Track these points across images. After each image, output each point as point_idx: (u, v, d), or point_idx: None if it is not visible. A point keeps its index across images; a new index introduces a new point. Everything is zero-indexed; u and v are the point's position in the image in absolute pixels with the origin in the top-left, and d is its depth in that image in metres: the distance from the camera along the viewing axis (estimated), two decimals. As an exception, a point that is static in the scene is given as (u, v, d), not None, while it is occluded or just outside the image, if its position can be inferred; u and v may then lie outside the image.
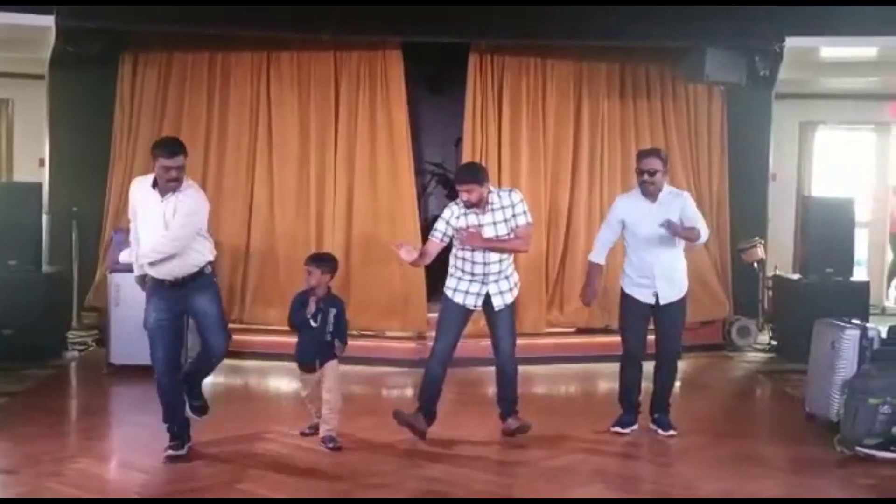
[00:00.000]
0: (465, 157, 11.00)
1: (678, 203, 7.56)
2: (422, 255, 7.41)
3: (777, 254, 12.24)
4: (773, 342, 11.49)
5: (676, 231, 7.34)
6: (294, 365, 7.53)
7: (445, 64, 11.32)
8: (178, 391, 6.98)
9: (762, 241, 11.61)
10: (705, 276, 11.48)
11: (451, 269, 7.49)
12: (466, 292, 7.40)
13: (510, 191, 7.60)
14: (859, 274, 11.95)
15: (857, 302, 10.59)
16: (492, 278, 7.40)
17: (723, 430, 8.20)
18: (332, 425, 7.27)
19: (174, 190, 6.74)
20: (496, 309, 7.45)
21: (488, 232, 7.32)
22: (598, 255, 7.82)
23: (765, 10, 10.19)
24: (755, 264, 11.64)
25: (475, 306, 7.46)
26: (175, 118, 11.04)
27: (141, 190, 6.86)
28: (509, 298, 7.49)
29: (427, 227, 10.91)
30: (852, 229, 11.31)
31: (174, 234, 6.72)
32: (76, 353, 10.34)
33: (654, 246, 7.48)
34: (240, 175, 11.06)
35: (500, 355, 7.58)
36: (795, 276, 11.45)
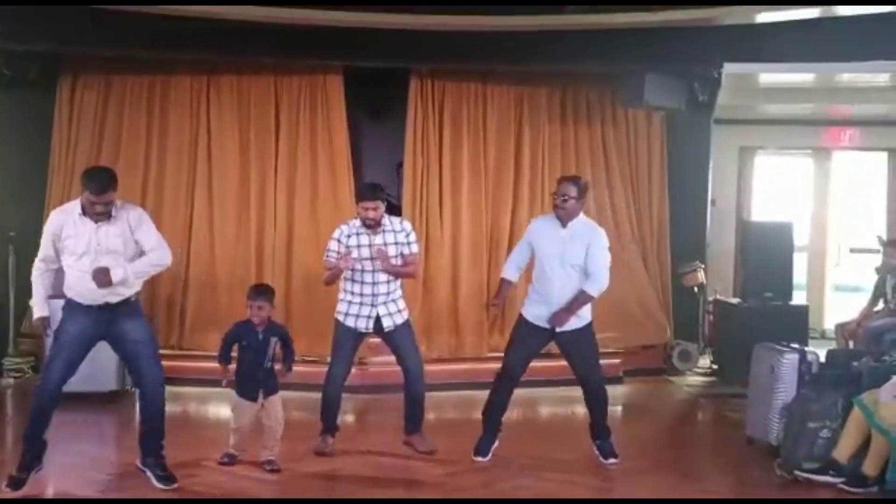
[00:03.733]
0: (407, 182, 11.02)
1: (588, 235, 7.48)
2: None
3: (717, 278, 12.33)
4: (714, 366, 11.56)
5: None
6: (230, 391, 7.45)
7: (386, 88, 11.31)
8: (50, 416, 6.69)
9: (702, 266, 11.70)
10: (646, 300, 11.56)
11: (340, 294, 7.69)
12: (357, 315, 7.60)
13: (402, 220, 7.85)
14: (798, 298, 12.05)
15: (796, 326, 10.67)
16: (380, 300, 7.59)
17: (664, 454, 8.24)
18: (274, 452, 7.30)
19: (109, 216, 6.59)
20: (386, 329, 7.63)
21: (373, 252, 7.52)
22: (507, 272, 7.82)
23: (703, 36, 10.27)
24: (695, 288, 11.73)
25: (366, 329, 7.64)
26: (114, 142, 10.93)
27: (66, 218, 6.61)
28: (399, 319, 7.67)
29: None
30: (791, 253, 11.41)
31: (165, 248, 6.73)
32: (11, 380, 10.18)
33: (556, 270, 7.42)
34: (179, 199, 10.97)
35: (408, 375, 7.75)
36: (735, 301, 11.52)
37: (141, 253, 6.67)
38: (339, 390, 7.73)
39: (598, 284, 7.42)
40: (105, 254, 6.54)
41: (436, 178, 11.14)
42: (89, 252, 6.53)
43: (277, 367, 7.40)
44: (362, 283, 7.55)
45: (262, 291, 7.44)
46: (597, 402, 7.68)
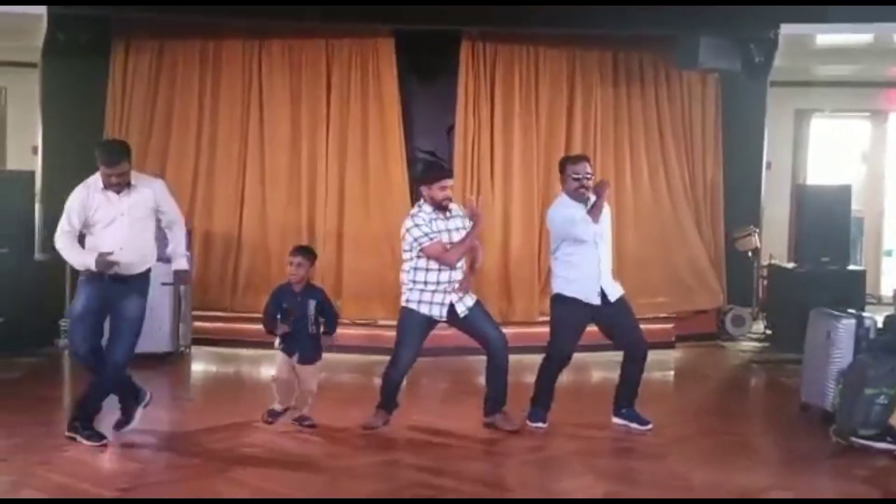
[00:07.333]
0: (458, 146, 11.00)
1: (607, 211, 7.61)
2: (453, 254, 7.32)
3: (772, 242, 12.21)
4: (768, 331, 11.46)
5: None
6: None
7: (437, 52, 11.25)
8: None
9: (757, 230, 11.59)
10: (699, 264, 11.48)
11: (409, 284, 7.37)
12: (431, 303, 7.33)
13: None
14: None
15: (852, 291, 10.56)
16: (456, 286, 7.37)
17: (716, 420, 8.18)
18: (305, 409, 7.39)
19: (129, 186, 6.85)
20: (461, 315, 7.39)
21: (455, 237, 7.34)
22: None
23: (760, -3, 10.12)
24: (749, 253, 11.62)
25: (441, 316, 7.37)
26: (166, 106, 11.04)
27: (89, 192, 6.87)
28: (470, 301, 7.44)
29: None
30: (848, 218, 11.27)
31: (180, 219, 7.21)
32: (68, 341, 10.30)
33: (599, 247, 7.42)
34: (231, 163, 11.04)
35: (490, 347, 7.47)
36: (790, 265, 11.41)
37: (157, 220, 7.08)
38: (404, 375, 7.53)
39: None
40: (133, 221, 6.86)
41: (487, 141, 11.10)
42: (116, 221, 6.82)
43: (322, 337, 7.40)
44: (439, 270, 7.28)
45: (300, 249, 7.48)
46: (641, 367, 7.60)
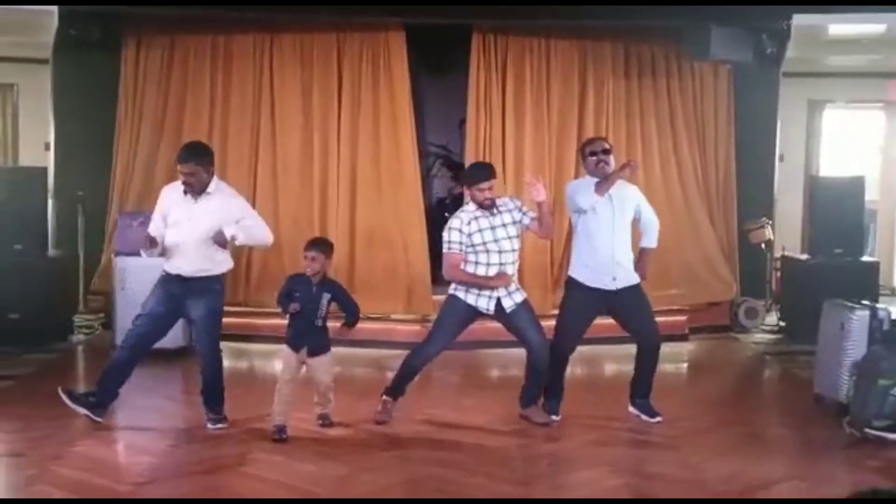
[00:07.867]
0: (469, 139, 10.98)
1: (635, 195, 7.65)
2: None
3: (785, 234, 12.16)
4: (781, 323, 11.42)
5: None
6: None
7: (448, 45, 11.25)
8: (125, 371, 7.22)
9: (769, 222, 11.56)
10: (712, 256, 11.46)
11: None
12: (479, 294, 7.26)
13: (510, 197, 7.58)
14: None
15: (866, 282, 10.52)
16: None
17: (730, 411, 8.18)
18: (328, 408, 7.36)
19: (206, 192, 7.07)
20: (508, 311, 7.31)
21: (500, 233, 7.25)
22: None
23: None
24: (762, 245, 11.59)
25: (487, 309, 7.29)
26: (178, 102, 11.07)
27: (173, 194, 7.19)
28: (519, 297, 7.35)
29: (431, 211, 10.91)
30: (862, 209, 11.21)
31: (264, 225, 7.39)
32: (82, 337, 10.38)
33: (616, 229, 7.39)
34: (243, 158, 11.06)
35: (532, 349, 7.38)
36: (804, 257, 11.37)
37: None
38: (425, 364, 7.50)
39: (656, 234, 7.79)
40: (198, 227, 7.03)
41: (499, 134, 11.09)
42: (182, 223, 7.07)
43: (331, 324, 7.26)
44: (488, 265, 7.22)
45: (315, 242, 7.35)
46: (654, 358, 7.58)
